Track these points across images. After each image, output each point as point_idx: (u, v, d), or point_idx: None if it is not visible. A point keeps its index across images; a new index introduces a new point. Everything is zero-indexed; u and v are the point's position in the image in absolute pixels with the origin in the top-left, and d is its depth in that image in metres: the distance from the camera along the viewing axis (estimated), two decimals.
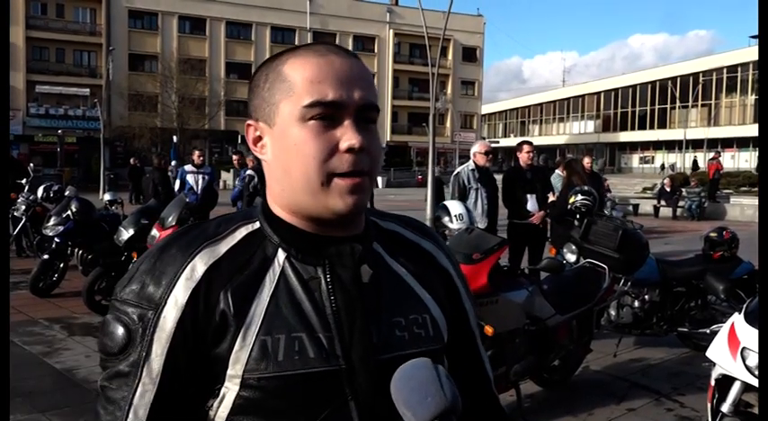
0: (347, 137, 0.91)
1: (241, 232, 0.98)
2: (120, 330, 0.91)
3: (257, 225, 0.99)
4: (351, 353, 0.93)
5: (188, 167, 9.51)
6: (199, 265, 0.92)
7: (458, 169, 7.05)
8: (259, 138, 0.99)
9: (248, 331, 0.90)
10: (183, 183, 9.25)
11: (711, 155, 26.87)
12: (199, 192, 9.12)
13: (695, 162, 23.32)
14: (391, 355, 0.95)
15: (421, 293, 1.04)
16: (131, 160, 26.93)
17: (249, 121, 1.00)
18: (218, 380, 0.91)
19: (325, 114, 0.92)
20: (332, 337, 0.92)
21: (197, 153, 9.79)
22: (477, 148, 7.04)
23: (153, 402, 0.89)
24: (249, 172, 9.19)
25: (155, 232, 6.35)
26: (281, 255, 0.96)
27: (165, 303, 0.90)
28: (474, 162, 6.92)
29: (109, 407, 0.91)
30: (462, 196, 6.71)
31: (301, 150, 0.92)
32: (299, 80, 0.93)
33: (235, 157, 11.68)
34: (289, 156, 0.93)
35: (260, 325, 0.91)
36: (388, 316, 0.98)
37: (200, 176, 9.27)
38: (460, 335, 1.11)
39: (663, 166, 45.48)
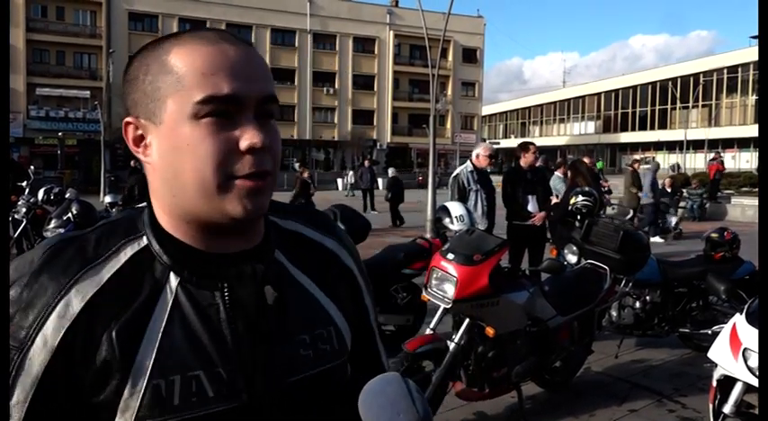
0: (248, 135, 0.82)
1: (126, 252, 0.86)
2: None
3: (144, 242, 0.87)
4: (254, 385, 0.86)
5: None
6: (75, 300, 0.80)
7: (456, 171, 7.03)
8: (141, 138, 0.86)
9: (138, 376, 0.80)
10: None
11: (712, 155, 26.85)
12: None
13: (677, 166, 23.35)
14: (297, 377, 0.90)
15: (326, 304, 0.98)
16: (132, 162, 26.91)
17: (128, 119, 0.87)
18: None
19: (221, 110, 0.81)
20: (233, 370, 0.85)
21: None
22: (481, 151, 7.00)
23: None
24: None
25: None
26: (173, 280, 0.85)
27: (32, 343, 0.78)
28: (473, 164, 6.91)
29: None
30: (462, 198, 6.70)
31: (195, 151, 0.81)
32: (189, 72, 0.82)
33: None
34: (180, 157, 0.82)
35: (152, 368, 0.80)
36: (293, 335, 0.91)
37: None
38: (361, 336, 1.06)
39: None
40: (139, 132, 0.87)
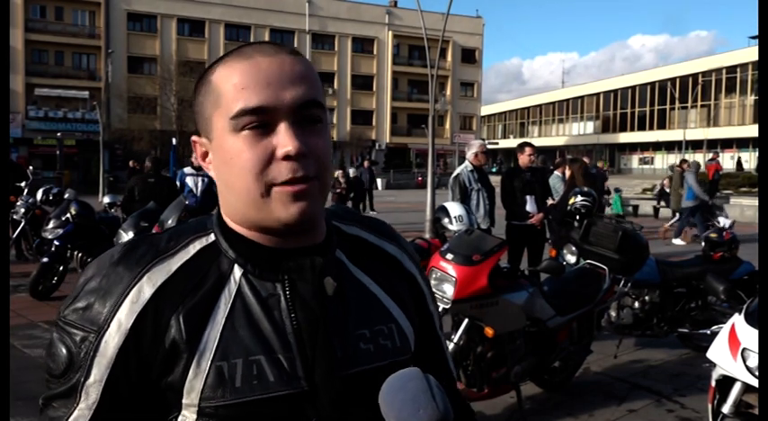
0: (282, 143, 0.85)
1: (195, 246, 0.92)
2: (63, 352, 0.86)
3: (212, 238, 0.93)
4: (313, 374, 0.88)
5: (187, 170, 9.48)
6: (146, 287, 0.86)
7: (457, 171, 7.03)
8: (206, 154, 0.94)
9: (202, 358, 0.85)
10: (183, 185, 9.22)
11: (710, 155, 26.89)
12: (198, 194, 9.09)
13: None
14: (356, 370, 0.92)
15: (386, 302, 0.99)
16: (130, 163, 26.92)
17: (194, 137, 0.96)
18: (172, 408, 0.87)
19: (257, 122, 0.86)
20: (293, 358, 0.88)
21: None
22: (475, 149, 7.00)
23: None
24: None
25: None
26: (237, 271, 0.90)
27: (108, 327, 0.85)
28: (472, 163, 6.91)
29: None
30: (464, 197, 6.70)
31: (237, 163, 0.86)
32: (226, 89, 0.87)
33: None
34: (228, 169, 0.88)
35: (215, 350, 0.86)
36: (353, 329, 0.93)
37: (200, 179, 9.24)
38: (427, 341, 1.08)
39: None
40: (204, 149, 0.95)
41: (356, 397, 0.91)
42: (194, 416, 0.86)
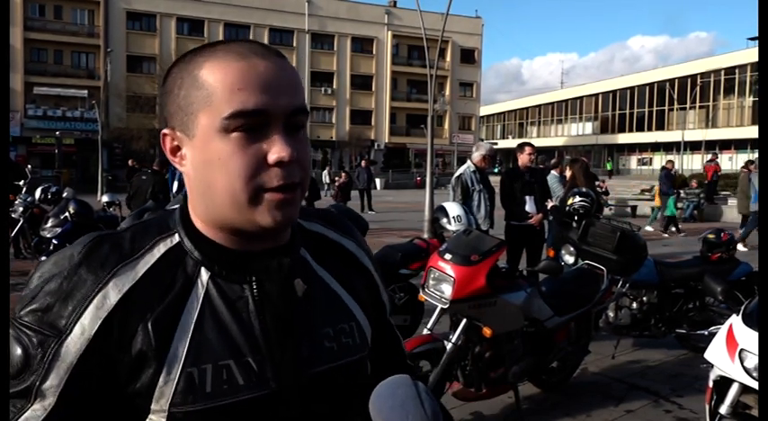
0: (276, 149, 0.84)
1: (160, 249, 0.90)
2: (18, 352, 0.83)
3: (176, 239, 0.91)
4: (281, 374, 0.89)
5: None
6: (112, 293, 0.84)
7: (459, 171, 7.02)
8: (177, 148, 0.91)
9: (172, 365, 0.84)
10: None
11: (709, 157, 26.93)
12: None
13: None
14: (322, 368, 0.94)
15: (347, 300, 1.02)
16: (129, 162, 26.92)
17: (165, 130, 0.92)
18: (140, 413, 0.86)
19: (250, 125, 0.84)
20: (262, 360, 0.88)
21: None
22: (482, 151, 7.00)
23: None
24: None
25: None
26: (204, 274, 0.89)
27: (70, 332, 0.82)
28: (475, 164, 6.91)
29: None
30: (465, 198, 6.71)
31: (225, 165, 0.84)
32: (219, 88, 0.85)
33: None
34: (211, 170, 0.86)
35: (185, 356, 0.85)
36: (318, 327, 0.95)
37: None
38: (381, 331, 1.12)
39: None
40: (175, 143, 0.91)
41: (320, 394, 0.94)
42: None
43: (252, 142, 0.85)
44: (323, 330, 0.96)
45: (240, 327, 0.88)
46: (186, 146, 0.90)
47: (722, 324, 3.60)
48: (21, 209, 9.93)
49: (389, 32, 52.27)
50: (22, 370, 0.83)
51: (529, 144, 7.28)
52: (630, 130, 60.83)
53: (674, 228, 15.49)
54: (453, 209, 5.93)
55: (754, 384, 3.08)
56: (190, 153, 0.89)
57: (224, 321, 0.88)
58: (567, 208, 6.20)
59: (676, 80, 55.04)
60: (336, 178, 19.56)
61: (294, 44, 49.18)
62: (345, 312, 1.01)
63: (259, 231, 0.88)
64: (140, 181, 9.46)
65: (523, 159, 7.07)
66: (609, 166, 54.23)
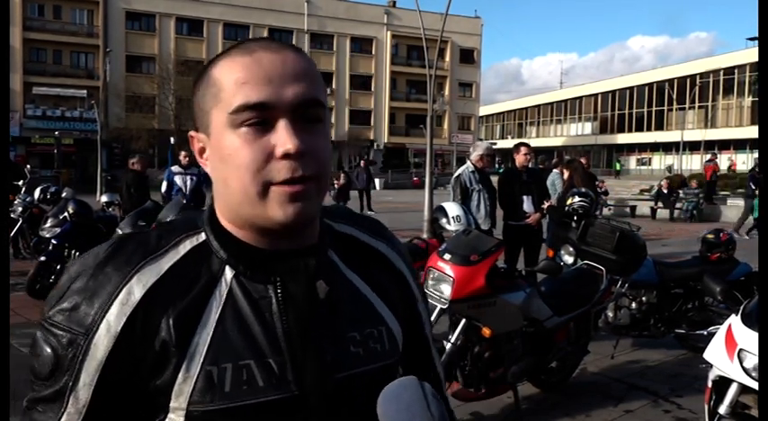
0: (282, 141, 0.83)
1: (185, 246, 0.90)
2: (48, 354, 0.83)
3: (203, 237, 0.91)
4: (303, 378, 0.87)
5: (175, 168, 9.39)
6: (136, 288, 0.84)
7: (458, 171, 7.02)
8: (203, 150, 0.91)
9: (192, 362, 0.84)
10: (171, 184, 9.17)
11: (708, 157, 26.95)
12: (188, 193, 9.06)
13: (671, 167, 22.71)
14: (346, 374, 0.91)
15: (377, 304, 0.98)
16: (129, 162, 26.93)
17: (191, 132, 0.93)
18: (159, 411, 0.85)
19: (256, 118, 0.84)
20: (283, 362, 0.87)
21: (183, 153, 9.52)
22: (480, 151, 7.01)
23: None
24: None
25: None
26: (228, 272, 0.89)
27: (97, 329, 0.82)
28: (474, 164, 6.91)
29: None
30: (464, 198, 6.71)
31: (235, 160, 0.84)
32: (226, 84, 0.85)
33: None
34: (225, 166, 0.86)
35: (205, 354, 0.84)
36: (343, 331, 0.92)
37: (188, 177, 9.19)
38: (415, 342, 1.07)
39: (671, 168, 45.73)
40: (201, 145, 0.92)
41: (345, 401, 0.91)
42: (182, 420, 0.84)
43: (260, 136, 0.84)
44: (349, 334, 0.93)
45: (262, 328, 0.87)
46: (207, 145, 0.90)
47: (721, 324, 3.60)
48: (20, 209, 9.92)
49: (389, 32, 52.27)
50: (53, 370, 0.83)
51: (525, 144, 7.29)
52: (630, 131, 60.87)
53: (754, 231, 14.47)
54: (452, 209, 5.93)
55: (754, 384, 3.09)
56: (209, 152, 0.90)
57: (246, 320, 0.87)
58: (567, 208, 6.20)
59: (676, 80, 55.08)
60: (335, 181, 19.58)
61: (293, 44, 49.11)
62: (375, 316, 0.97)
63: (275, 227, 0.87)
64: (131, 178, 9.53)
65: (520, 159, 7.08)
66: (617, 167, 54.22)
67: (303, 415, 0.87)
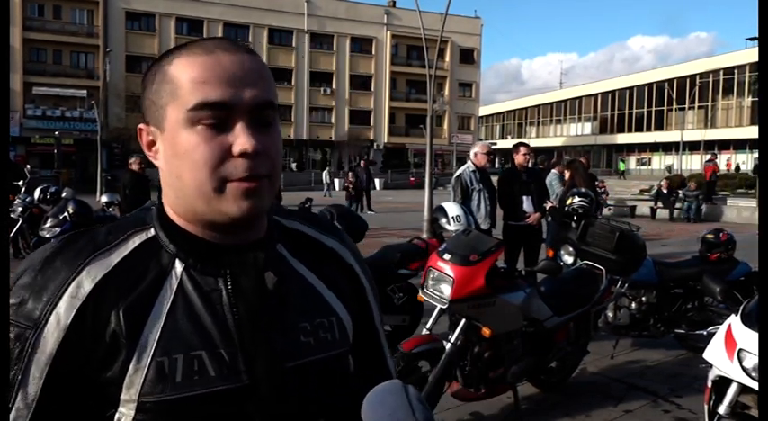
0: (240, 141, 0.85)
1: (134, 241, 0.91)
2: None
3: (152, 232, 0.92)
4: (254, 367, 0.89)
5: None
6: (86, 281, 0.85)
7: (459, 171, 7.03)
8: (152, 143, 0.93)
9: (143, 353, 0.84)
10: None
11: (708, 157, 26.97)
12: None
13: (671, 167, 22.79)
14: (297, 363, 0.93)
15: (327, 295, 1.01)
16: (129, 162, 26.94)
17: (141, 125, 0.94)
18: (110, 404, 0.85)
19: (214, 117, 0.86)
20: (234, 352, 0.88)
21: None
22: (478, 149, 7.04)
23: None
24: None
25: None
26: (178, 266, 0.90)
27: (46, 322, 0.83)
28: (474, 163, 6.92)
29: None
30: (465, 197, 6.71)
31: (191, 157, 0.86)
32: (184, 81, 0.87)
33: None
34: (179, 162, 0.87)
35: (156, 345, 0.85)
36: (294, 322, 0.94)
37: None
38: (365, 334, 1.10)
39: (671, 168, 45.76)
40: (150, 137, 0.93)
41: (296, 389, 0.92)
42: (133, 413, 0.84)
43: (217, 134, 0.86)
44: (299, 325, 0.95)
45: (213, 319, 0.88)
46: (159, 140, 0.91)
47: (721, 324, 3.60)
48: (20, 209, 9.93)
49: (388, 32, 52.28)
50: None
51: (524, 144, 7.30)
52: (629, 131, 60.90)
53: None
54: (452, 209, 5.93)
55: (753, 384, 3.09)
56: (162, 146, 0.91)
57: (197, 312, 0.88)
58: (567, 208, 6.20)
59: (675, 80, 55.11)
60: (348, 183, 19.82)
61: (293, 44, 49.19)
62: (324, 307, 1.00)
63: (228, 222, 0.89)
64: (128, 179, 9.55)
65: (519, 159, 7.09)
66: (621, 167, 54.26)
67: (254, 403, 0.89)
